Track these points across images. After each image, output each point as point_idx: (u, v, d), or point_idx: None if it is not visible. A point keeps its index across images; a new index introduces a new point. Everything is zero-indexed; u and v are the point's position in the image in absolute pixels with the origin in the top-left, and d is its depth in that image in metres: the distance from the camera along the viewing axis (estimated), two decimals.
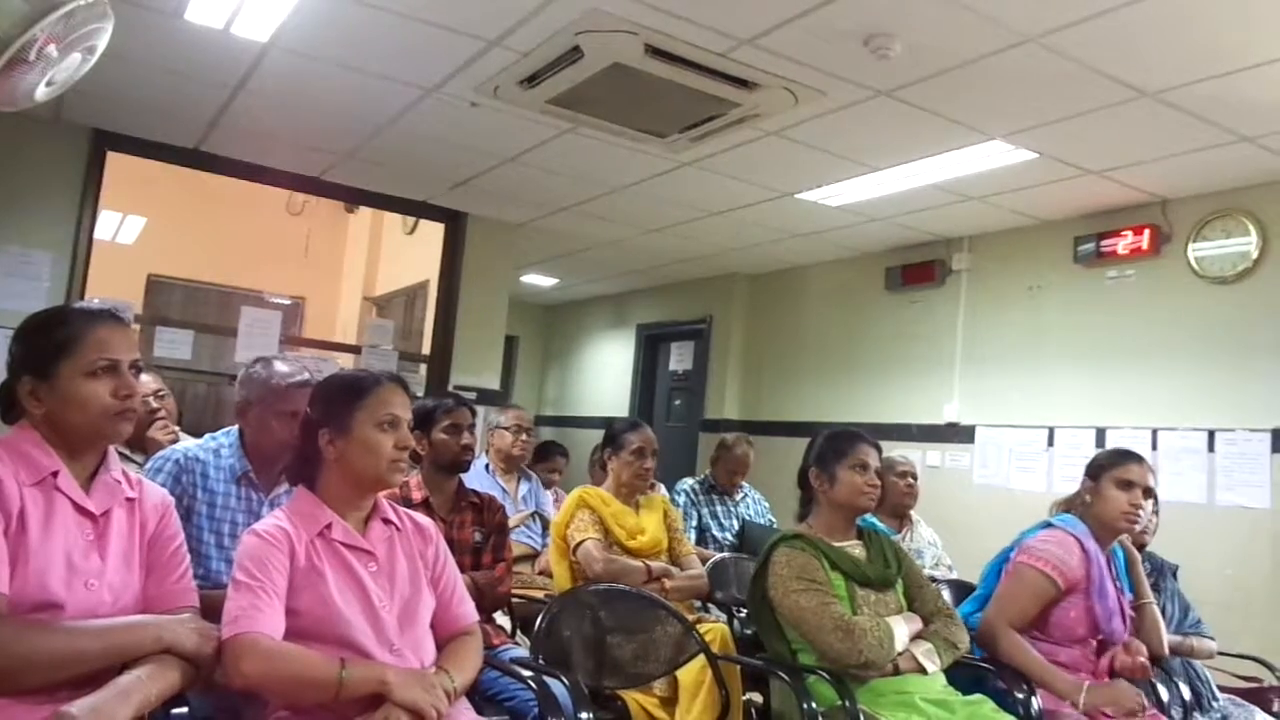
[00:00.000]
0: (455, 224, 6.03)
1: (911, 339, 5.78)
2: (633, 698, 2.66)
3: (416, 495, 2.81)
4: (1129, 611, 2.72)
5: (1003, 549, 2.80)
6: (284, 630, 1.73)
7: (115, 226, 6.64)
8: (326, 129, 4.63)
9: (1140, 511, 2.66)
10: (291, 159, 5.21)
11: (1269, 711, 2.93)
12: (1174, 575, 3.26)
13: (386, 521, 1.98)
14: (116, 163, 5.07)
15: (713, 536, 4.54)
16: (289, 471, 2.03)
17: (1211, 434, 4.23)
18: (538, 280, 8.27)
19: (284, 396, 2.35)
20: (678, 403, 7.89)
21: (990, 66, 3.30)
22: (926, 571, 3.65)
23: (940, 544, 4.17)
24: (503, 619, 3.12)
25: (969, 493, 5.17)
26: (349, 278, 7.89)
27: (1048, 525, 2.74)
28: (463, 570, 2.77)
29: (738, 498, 4.71)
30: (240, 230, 7.10)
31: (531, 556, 3.93)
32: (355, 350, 5.79)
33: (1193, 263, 4.39)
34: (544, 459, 4.87)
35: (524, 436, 4.13)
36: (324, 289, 7.80)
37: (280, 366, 2.42)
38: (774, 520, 4.70)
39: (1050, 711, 2.45)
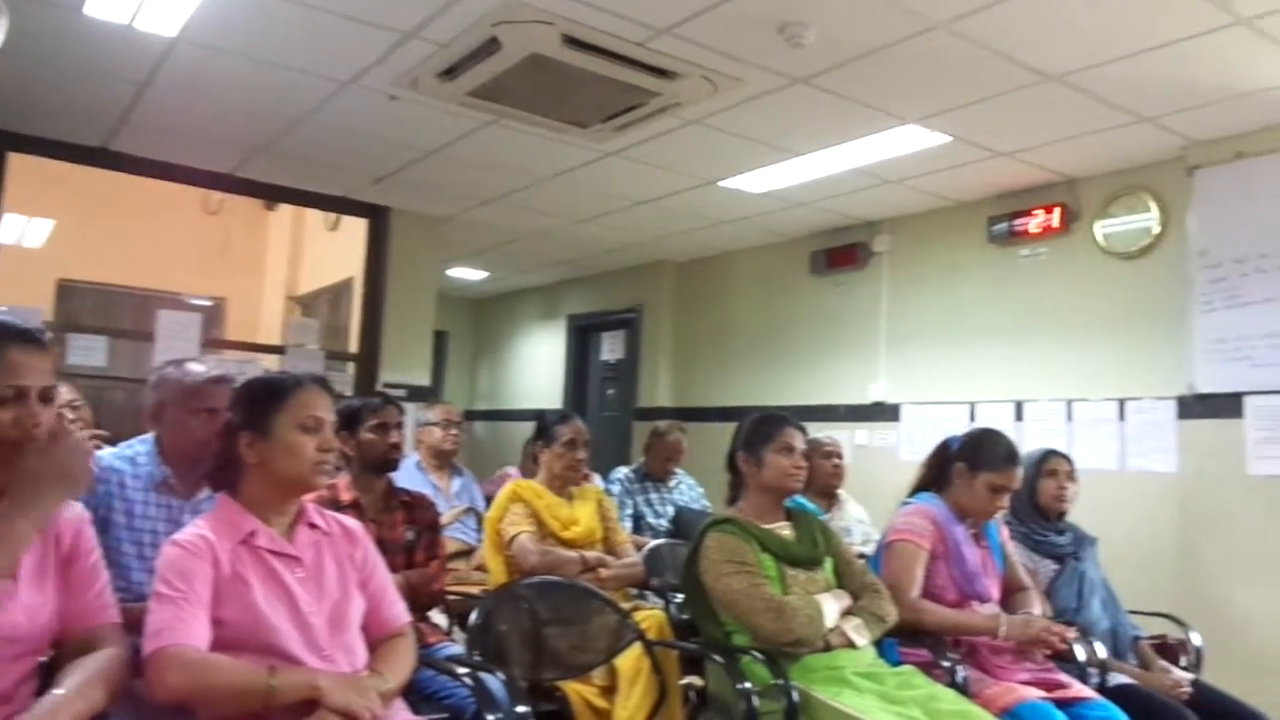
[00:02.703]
0: (378, 219, 5.94)
1: (837, 321, 5.88)
2: (572, 688, 2.67)
3: (345, 497, 2.78)
4: (999, 574, 2.87)
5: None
6: (210, 641, 1.71)
7: (21, 230, 6.38)
8: (240, 124, 4.52)
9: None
10: (205, 156, 5.08)
11: (1177, 664, 3.08)
12: (1094, 547, 3.38)
13: (313, 526, 1.95)
14: (20, 164, 4.87)
15: (648, 524, 4.58)
16: (210, 478, 1.99)
17: (1122, 403, 4.40)
18: (466, 274, 8.20)
19: (199, 394, 2.31)
20: (610, 392, 7.91)
21: (901, 53, 3.37)
22: (856, 548, 3.74)
23: (869, 520, 4.27)
24: (439, 616, 3.11)
25: (897, 470, 5.25)
26: (271, 277, 7.71)
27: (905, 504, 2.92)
28: (396, 570, 2.77)
29: (672, 484, 4.75)
30: (155, 231, 6.88)
31: (467, 552, 3.92)
32: (279, 351, 5.67)
33: (1100, 239, 4.55)
34: None
35: (453, 431, 4.12)
36: (245, 289, 7.61)
37: (193, 365, 2.38)
38: (708, 505, 4.75)
39: (976, 679, 2.54)
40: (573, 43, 3.41)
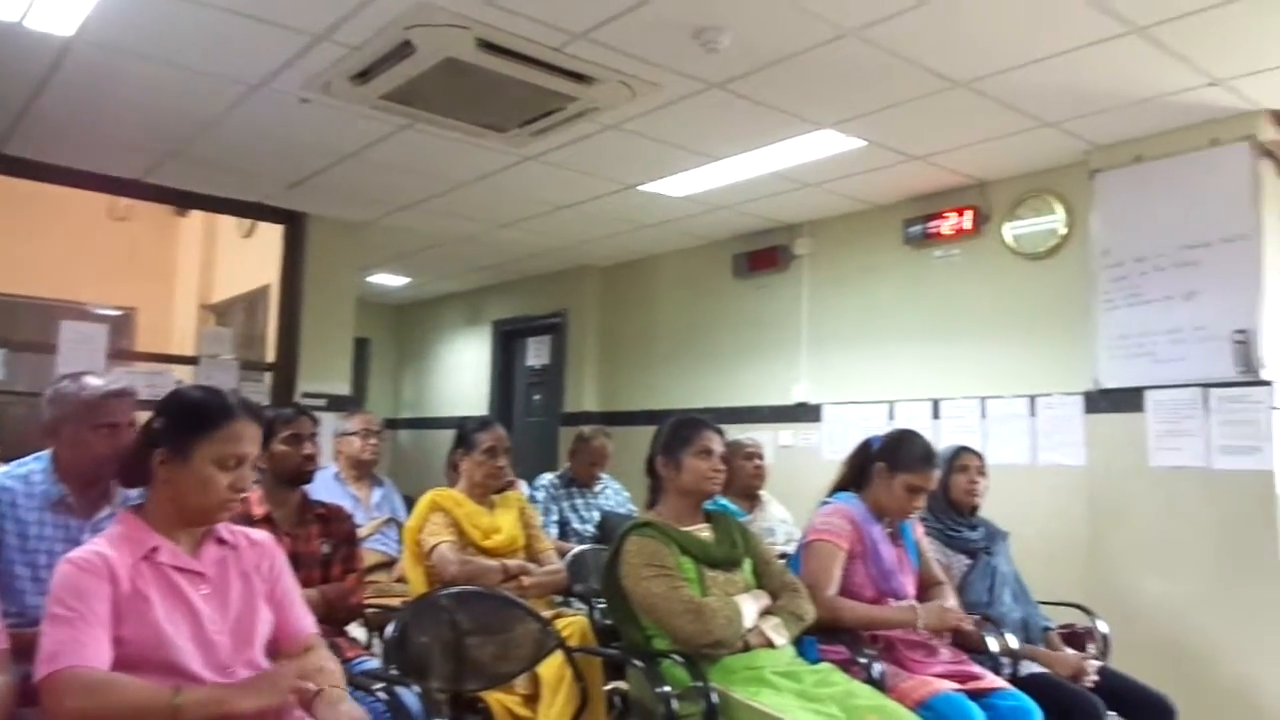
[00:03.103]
0: (294, 225, 5.81)
1: (760, 323, 5.95)
2: (495, 698, 2.65)
3: (257, 511, 2.71)
4: (914, 571, 2.93)
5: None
6: (110, 661, 1.64)
7: None
8: (147, 128, 4.38)
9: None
10: (110, 161, 4.90)
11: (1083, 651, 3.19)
12: (1005, 541, 3.47)
13: (221, 541, 1.90)
14: None
15: (574, 530, 4.56)
16: (120, 473, 1.94)
17: (1033, 399, 4.54)
18: (387, 280, 8.07)
19: (98, 409, 2.23)
20: (536, 398, 7.86)
21: (814, 59, 3.42)
22: (779, 548, 3.79)
23: (792, 520, 4.31)
24: (358, 631, 3.05)
25: (820, 469, 5.31)
26: (183, 285, 7.49)
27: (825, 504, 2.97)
28: (312, 584, 2.72)
29: (597, 489, 4.75)
30: (57, 238, 6.60)
31: (388, 564, 3.85)
32: (192, 361, 5.51)
33: (1009, 241, 4.69)
34: None
35: (373, 441, 4.04)
36: (156, 298, 7.37)
37: (90, 379, 2.30)
38: (635, 509, 4.75)
39: (892, 673, 2.59)
40: (488, 47, 3.38)
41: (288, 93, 3.86)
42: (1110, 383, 4.14)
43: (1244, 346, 3.73)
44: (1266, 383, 3.70)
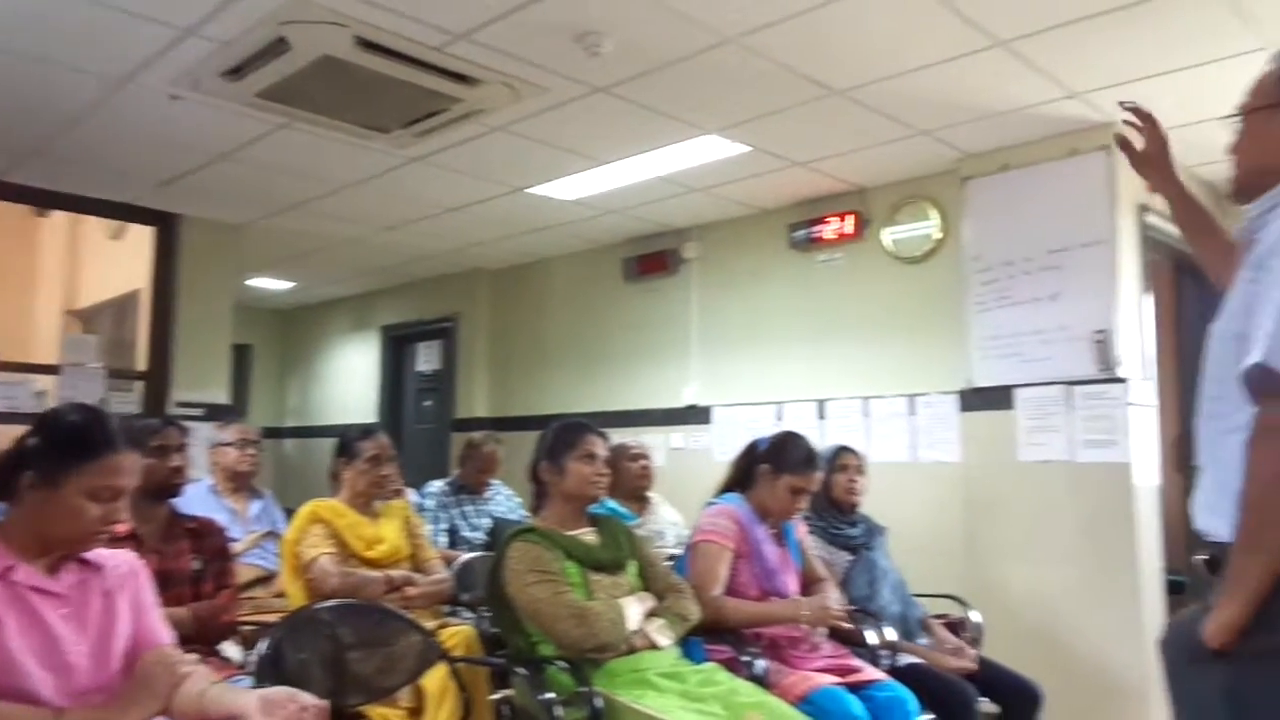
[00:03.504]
0: (166, 226, 5.56)
1: (651, 327, 5.98)
2: (378, 712, 2.58)
3: (120, 529, 2.57)
4: (797, 570, 3.00)
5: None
6: None
7: None
8: (3, 124, 4.12)
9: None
10: None
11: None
12: (884, 536, 3.58)
13: (82, 562, 1.81)
14: None
15: (464, 538, 4.50)
16: None
17: (912, 399, 4.69)
18: (270, 284, 7.81)
19: None
20: (427, 404, 7.73)
21: (697, 65, 3.46)
22: (669, 550, 3.82)
23: (682, 522, 4.35)
24: (232, 649, 2.93)
25: (711, 471, 5.34)
26: (44, 290, 7.06)
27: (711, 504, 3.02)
28: (182, 602, 2.62)
29: (488, 496, 4.69)
30: None
31: (267, 579, 3.72)
32: (54, 370, 5.21)
33: (889, 245, 4.84)
34: None
35: (250, 451, 3.90)
36: (12, 303, 6.93)
37: None
38: (526, 515, 4.71)
39: (775, 670, 2.64)
40: (367, 45, 3.31)
41: (156, 89, 3.69)
42: (983, 381, 4.32)
43: (1102, 346, 3.94)
44: (1122, 380, 3.92)
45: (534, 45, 3.34)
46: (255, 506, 3.94)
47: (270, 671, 2.30)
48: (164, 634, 1.90)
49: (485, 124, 4.08)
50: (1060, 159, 4.12)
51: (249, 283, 7.50)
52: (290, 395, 9.21)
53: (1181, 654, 1.54)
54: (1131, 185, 4.09)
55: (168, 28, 3.22)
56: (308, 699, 1.77)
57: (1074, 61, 3.44)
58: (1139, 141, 2.03)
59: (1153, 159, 2.00)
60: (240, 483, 3.93)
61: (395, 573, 3.05)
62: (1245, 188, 1.58)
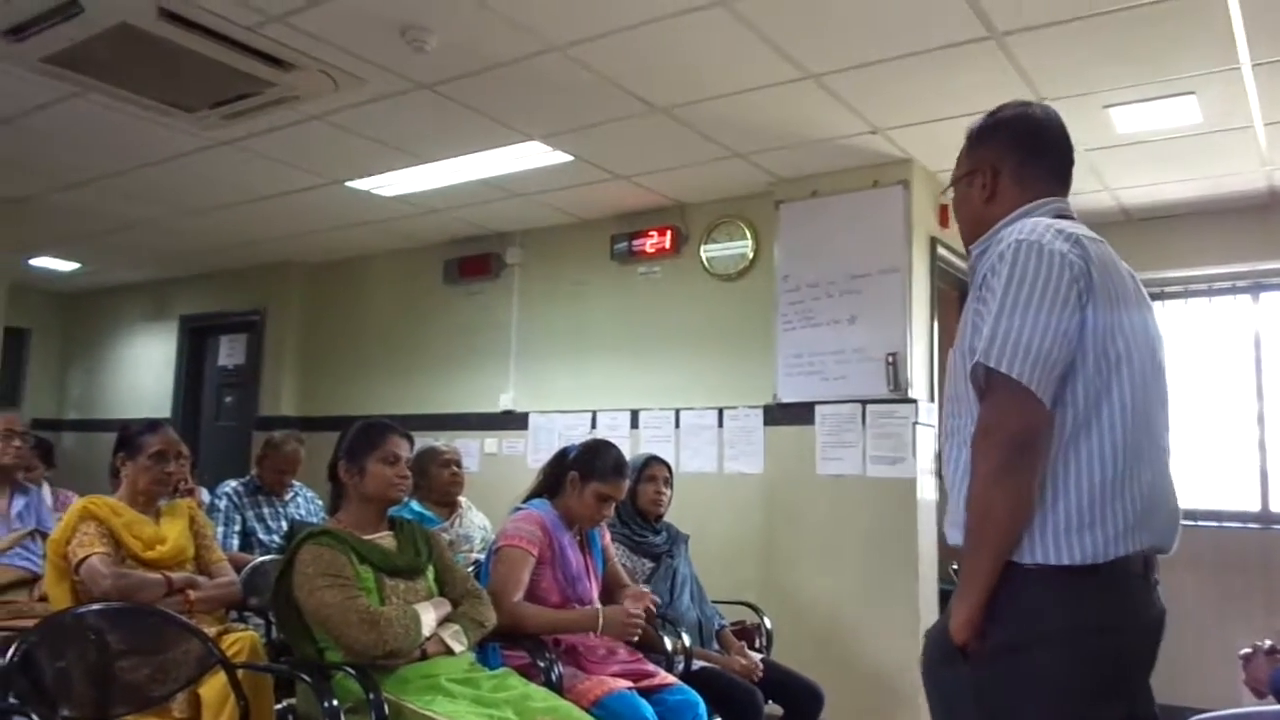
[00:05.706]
0: None
1: (470, 330, 5.91)
2: None
3: None
4: (598, 577, 3.04)
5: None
6: None
7: None
8: None
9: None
10: None
11: (752, 647, 3.44)
12: (685, 544, 3.67)
13: None
14: None
15: (260, 540, 4.29)
16: None
17: (721, 411, 4.85)
18: (53, 264, 7.18)
19: None
20: (229, 400, 7.31)
21: (523, 70, 3.47)
22: (476, 555, 3.78)
23: (491, 527, 4.31)
24: None
25: (526, 476, 5.30)
26: None
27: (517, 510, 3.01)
28: None
29: (287, 497, 4.49)
30: None
31: (30, 581, 3.42)
32: None
33: (705, 262, 4.99)
34: None
35: (16, 443, 3.57)
36: None
37: None
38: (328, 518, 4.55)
39: (570, 675, 2.66)
40: (170, 17, 3.12)
41: None
42: (787, 397, 4.52)
43: (894, 368, 4.21)
44: (912, 400, 4.20)
45: (355, 35, 3.25)
46: (19, 503, 3.61)
47: (20, 680, 2.11)
48: None
49: (302, 111, 3.93)
50: (864, 189, 4.38)
51: (29, 261, 6.88)
52: (73, 385, 8.49)
53: (935, 654, 1.67)
54: (925, 218, 4.41)
55: None
56: None
57: (877, 99, 3.67)
58: None
59: None
60: (4, 477, 3.59)
61: (177, 575, 2.87)
62: (968, 237, 1.88)
